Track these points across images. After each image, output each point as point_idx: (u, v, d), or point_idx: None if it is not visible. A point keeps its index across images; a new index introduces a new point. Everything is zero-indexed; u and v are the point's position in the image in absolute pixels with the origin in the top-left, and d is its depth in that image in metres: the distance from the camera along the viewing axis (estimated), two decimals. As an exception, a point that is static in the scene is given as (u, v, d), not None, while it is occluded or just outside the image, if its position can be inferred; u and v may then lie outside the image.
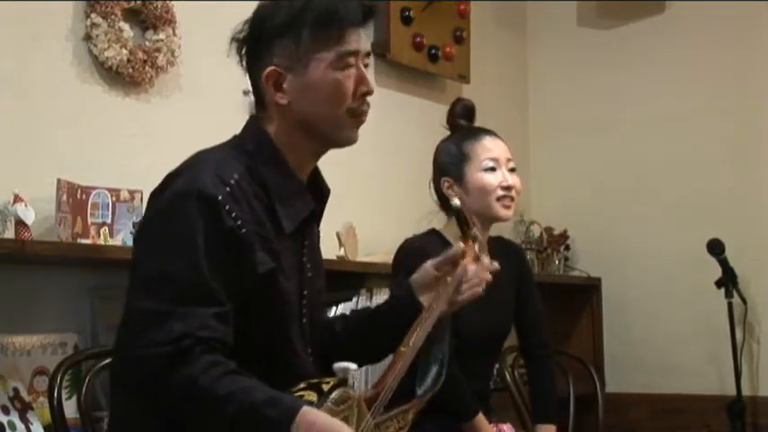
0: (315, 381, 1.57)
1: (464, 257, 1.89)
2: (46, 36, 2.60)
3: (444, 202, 2.58)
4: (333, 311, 2.89)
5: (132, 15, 2.77)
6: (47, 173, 2.48)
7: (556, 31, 4.49)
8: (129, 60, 2.70)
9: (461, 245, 1.90)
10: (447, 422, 2.42)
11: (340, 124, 1.72)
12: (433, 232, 2.58)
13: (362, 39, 1.72)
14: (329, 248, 3.13)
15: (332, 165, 3.38)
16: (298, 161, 1.73)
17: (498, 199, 2.50)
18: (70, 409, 2.19)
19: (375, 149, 3.51)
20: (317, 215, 1.81)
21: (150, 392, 1.50)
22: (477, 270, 1.89)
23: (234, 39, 1.76)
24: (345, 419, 1.52)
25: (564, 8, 4.44)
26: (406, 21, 3.70)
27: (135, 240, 1.68)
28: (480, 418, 2.43)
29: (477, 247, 1.94)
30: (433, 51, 3.79)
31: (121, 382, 1.60)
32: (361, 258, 3.23)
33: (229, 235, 1.57)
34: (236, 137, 1.76)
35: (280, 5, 1.70)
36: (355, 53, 1.70)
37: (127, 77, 2.73)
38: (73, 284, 2.57)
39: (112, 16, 2.66)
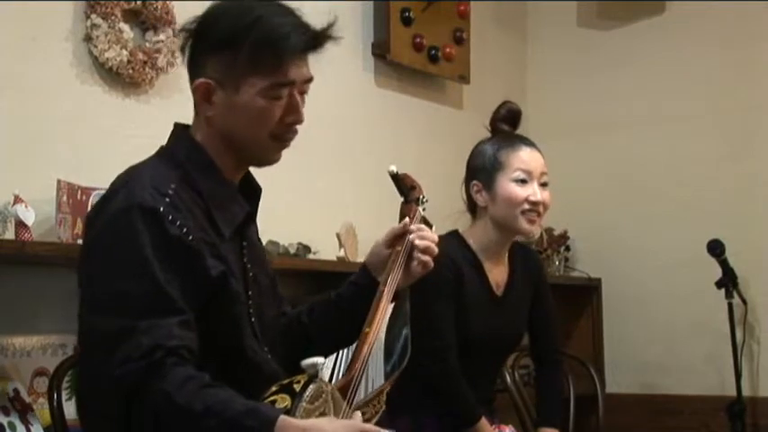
0: (285, 382, 1.56)
1: (411, 223, 1.88)
2: (46, 37, 2.60)
3: (472, 205, 2.57)
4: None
5: (132, 16, 2.77)
6: (47, 174, 2.48)
7: (556, 31, 4.49)
8: (129, 61, 2.70)
9: (407, 219, 1.89)
10: (449, 426, 2.42)
11: (260, 146, 1.71)
12: (454, 233, 2.56)
13: (303, 67, 1.70)
14: (329, 249, 3.13)
15: (331, 166, 3.39)
16: (227, 167, 1.73)
17: (523, 212, 2.46)
18: (70, 410, 2.19)
19: (375, 150, 3.51)
20: (252, 216, 1.81)
21: (126, 412, 1.48)
22: (425, 233, 1.87)
23: (183, 29, 1.72)
24: (323, 415, 1.53)
25: (564, 8, 4.44)
26: (406, 21, 3.69)
27: (80, 263, 1.64)
28: (483, 423, 2.42)
29: (421, 209, 1.93)
30: (433, 52, 3.79)
31: (94, 409, 1.57)
32: (361, 259, 3.23)
33: (177, 243, 1.57)
34: (163, 148, 1.76)
35: (226, 15, 1.68)
36: (291, 83, 1.68)
37: (127, 78, 2.73)
38: (73, 285, 2.55)
39: (112, 17, 2.66)
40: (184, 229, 1.58)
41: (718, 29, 4.04)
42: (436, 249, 1.88)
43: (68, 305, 2.55)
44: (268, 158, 1.74)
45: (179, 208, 1.59)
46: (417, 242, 1.86)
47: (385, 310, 1.76)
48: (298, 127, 1.72)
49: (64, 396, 2.12)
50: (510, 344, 2.66)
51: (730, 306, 3.67)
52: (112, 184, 1.66)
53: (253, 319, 1.73)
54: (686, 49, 4.10)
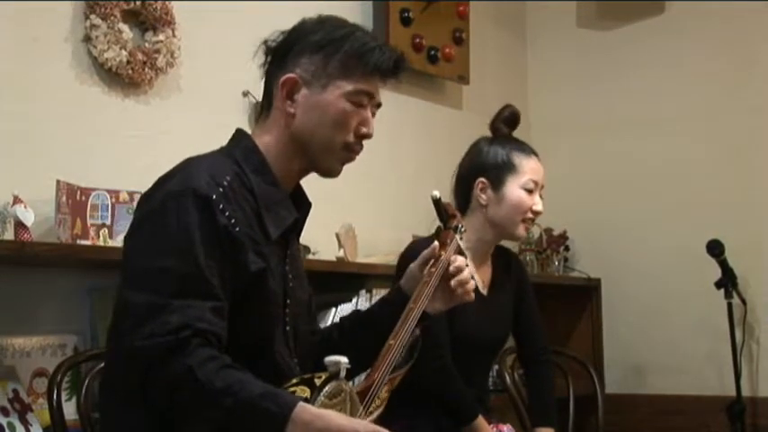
0: (307, 376, 1.60)
1: (444, 249, 1.92)
2: (46, 37, 2.60)
3: (464, 201, 2.57)
4: (332, 313, 2.89)
5: (132, 17, 2.77)
6: (46, 174, 2.48)
7: (555, 32, 4.49)
8: (128, 62, 2.70)
9: (436, 243, 1.93)
10: (446, 425, 2.42)
11: (331, 152, 1.78)
12: None
13: (379, 89, 1.80)
14: (329, 250, 3.13)
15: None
16: (284, 173, 1.78)
17: (524, 220, 2.52)
18: (70, 410, 2.19)
19: (374, 150, 3.49)
20: (299, 227, 1.85)
21: (146, 385, 1.51)
22: (461, 265, 1.91)
23: (265, 42, 1.82)
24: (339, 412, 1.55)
25: (563, 9, 4.44)
26: (406, 22, 3.69)
27: (127, 240, 1.69)
28: (480, 420, 2.43)
29: (458, 238, 1.96)
30: (433, 52, 3.79)
31: (116, 380, 1.60)
32: (360, 259, 3.23)
33: (223, 233, 1.61)
34: (223, 147, 1.81)
35: (323, 26, 1.78)
36: (371, 95, 1.78)
37: (126, 79, 2.73)
38: (72, 286, 2.57)
39: (112, 17, 2.66)
40: (232, 220, 1.62)
41: (718, 29, 4.04)
42: (471, 284, 1.92)
43: (68, 306, 2.57)
44: (333, 167, 1.81)
45: (230, 200, 1.64)
46: (452, 283, 1.90)
47: (412, 324, 1.80)
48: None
49: (63, 397, 2.12)
50: (498, 343, 2.67)
51: (730, 306, 3.67)
52: (171, 169, 1.71)
53: (287, 328, 1.75)
54: (686, 49, 4.10)
